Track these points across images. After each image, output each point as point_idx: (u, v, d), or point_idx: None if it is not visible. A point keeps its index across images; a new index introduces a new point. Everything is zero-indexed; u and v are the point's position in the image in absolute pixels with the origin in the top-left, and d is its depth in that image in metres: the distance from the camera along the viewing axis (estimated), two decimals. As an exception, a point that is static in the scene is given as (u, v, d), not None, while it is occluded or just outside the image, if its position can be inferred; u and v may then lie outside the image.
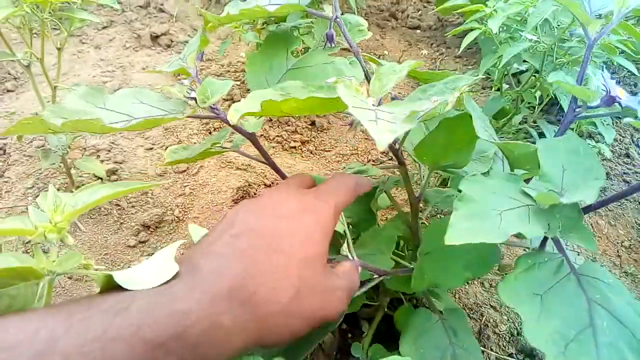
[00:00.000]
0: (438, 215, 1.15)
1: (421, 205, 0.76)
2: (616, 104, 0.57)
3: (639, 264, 1.19)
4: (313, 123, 1.50)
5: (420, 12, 2.32)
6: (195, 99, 0.70)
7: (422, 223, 1.05)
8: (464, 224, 0.44)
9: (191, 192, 1.19)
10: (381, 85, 0.53)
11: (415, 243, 0.77)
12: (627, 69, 0.88)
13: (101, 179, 1.14)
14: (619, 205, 1.34)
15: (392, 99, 0.64)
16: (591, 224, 1.26)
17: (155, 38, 1.80)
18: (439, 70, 1.93)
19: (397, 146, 0.66)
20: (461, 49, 0.95)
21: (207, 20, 0.69)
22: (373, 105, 0.49)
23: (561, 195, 0.48)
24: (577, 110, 0.61)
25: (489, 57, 0.91)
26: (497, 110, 0.96)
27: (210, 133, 1.41)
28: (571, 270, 0.48)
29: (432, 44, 2.05)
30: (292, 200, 0.47)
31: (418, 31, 2.18)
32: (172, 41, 1.82)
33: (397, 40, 2.07)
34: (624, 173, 1.43)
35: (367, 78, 0.70)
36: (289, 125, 1.46)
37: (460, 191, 0.47)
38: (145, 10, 2.00)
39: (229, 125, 0.63)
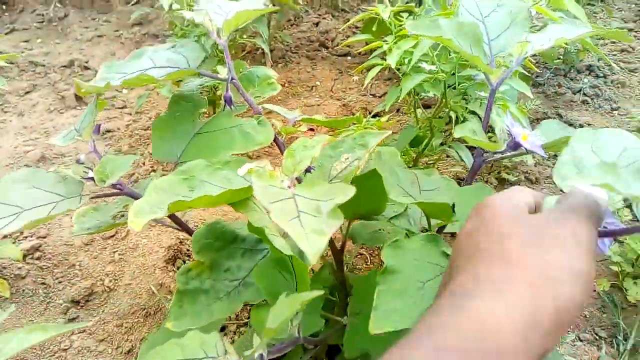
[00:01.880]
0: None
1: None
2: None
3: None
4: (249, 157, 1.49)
5: (349, 38, 2.36)
6: (93, 179, 0.68)
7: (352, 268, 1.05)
8: (389, 304, 0.45)
9: (121, 258, 1.15)
10: (294, 163, 0.52)
11: (345, 294, 0.76)
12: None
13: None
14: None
15: (306, 171, 0.63)
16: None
17: (80, 97, 1.77)
18: (370, 94, 1.97)
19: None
20: (365, 85, 0.96)
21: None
22: (289, 187, 0.48)
23: None
24: (485, 155, 0.64)
25: (393, 90, 0.92)
26: (411, 139, 0.97)
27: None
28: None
29: (362, 70, 2.09)
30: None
31: (348, 58, 2.22)
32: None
33: (328, 69, 2.09)
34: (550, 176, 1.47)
35: (276, 140, 0.70)
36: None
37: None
38: (69, 69, 1.97)
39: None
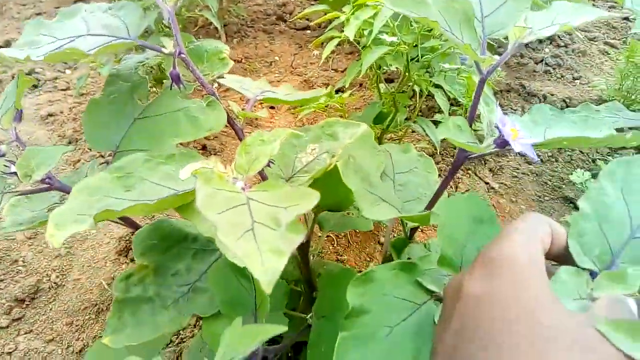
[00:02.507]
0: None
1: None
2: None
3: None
4: (204, 147, 1.41)
5: (306, 10, 2.27)
6: (16, 173, 0.59)
7: (319, 254, 1.00)
8: (350, 356, 0.40)
9: (68, 251, 1.06)
10: (250, 160, 0.45)
11: (311, 287, 0.71)
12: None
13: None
14: (518, 181, 1.36)
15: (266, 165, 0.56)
16: (493, 205, 1.27)
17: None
18: (332, 69, 1.90)
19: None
20: (322, 59, 0.90)
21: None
22: (243, 189, 0.41)
23: None
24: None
25: (353, 65, 0.86)
26: (375, 115, 0.92)
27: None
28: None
29: (322, 44, 2.01)
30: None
31: (308, 31, 2.13)
32: (39, 80, 1.65)
33: (287, 44, 2.01)
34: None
35: (230, 122, 0.62)
36: (177, 155, 1.36)
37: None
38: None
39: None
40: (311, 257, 0.79)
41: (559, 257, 0.38)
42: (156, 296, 0.50)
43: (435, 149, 1.26)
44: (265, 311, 0.46)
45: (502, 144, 0.49)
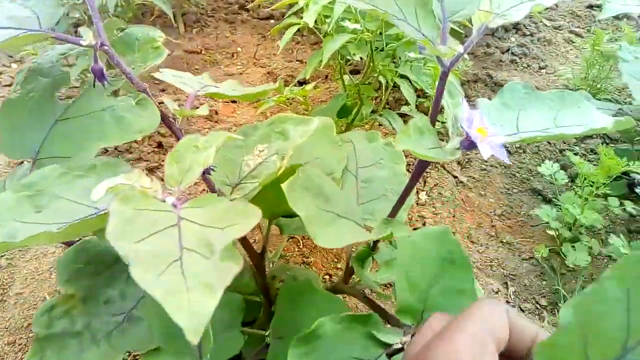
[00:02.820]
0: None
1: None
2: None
3: (513, 231, 1.18)
4: (160, 145, 1.33)
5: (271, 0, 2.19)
6: None
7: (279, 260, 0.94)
8: None
9: (9, 263, 0.98)
10: (182, 170, 0.38)
11: (269, 301, 0.65)
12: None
13: None
14: (486, 174, 1.33)
15: (205, 173, 0.49)
16: (461, 199, 1.24)
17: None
18: (296, 60, 1.83)
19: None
20: (280, 49, 0.84)
21: None
22: (175, 205, 0.35)
23: None
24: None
25: (315, 55, 0.81)
26: (339, 108, 0.87)
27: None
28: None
29: (282, 31, 1.94)
30: None
31: (271, 21, 2.06)
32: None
33: (250, 34, 1.93)
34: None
35: (166, 122, 0.54)
36: (130, 153, 1.28)
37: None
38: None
39: None
40: (271, 264, 0.73)
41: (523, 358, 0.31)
42: (85, 329, 0.43)
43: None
44: (209, 344, 0.40)
45: (470, 145, 0.44)
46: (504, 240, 1.15)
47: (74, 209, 0.40)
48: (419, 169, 0.55)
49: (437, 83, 0.49)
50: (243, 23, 1.99)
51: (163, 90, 1.51)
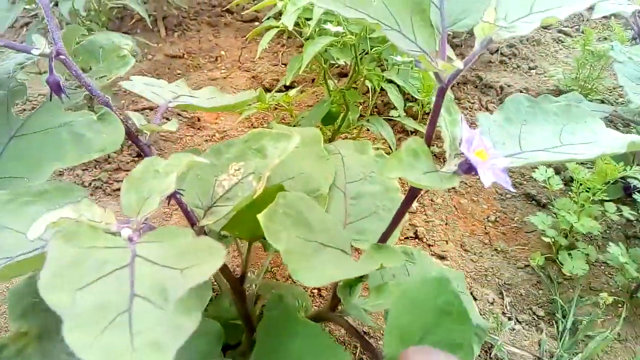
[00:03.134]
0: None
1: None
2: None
3: (508, 237, 1.15)
4: (140, 155, 1.27)
5: (255, 1, 2.14)
6: None
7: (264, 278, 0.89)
8: None
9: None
10: (140, 198, 0.33)
11: (251, 328, 0.60)
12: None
13: None
14: (478, 179, 1.29)
15: (172, 196, 0.43)
16: (454, 206, 1.20)
17: None
18: (282, 64, 1.78)
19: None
20: (258, 53, 0.80)
21: None
22: (131, 239, 0.30)
23: None
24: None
25: (295, 60, 0.76)
26: (323, 115, 0.82)
27: None
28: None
29: (258, 35, 1.89)
30: None
31: (256, 23, 2.01)
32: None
33: (234, 37, 1.88)
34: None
35: (132, 138, 0.49)
36: (109, 163, 1.22)
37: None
38: None
39: None
40: (253, 286, 0.68)
41: None
42: (40, 370, 0.38)
43: (392, 150, 1.18)
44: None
45: (469, 169, 0.41)
46: (499, 248, 1.11)
47: (19, 242, 0.35)
48: (412, 193, 0.51)
49: (433, 99, 0.45)
50: (226, 26, 1.94)
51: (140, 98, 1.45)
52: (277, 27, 0.76)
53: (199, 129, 1.38)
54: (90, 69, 0.52)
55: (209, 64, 1.73)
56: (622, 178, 0.97)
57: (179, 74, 1.66)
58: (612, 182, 0.92)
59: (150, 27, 1.74)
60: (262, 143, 0.49)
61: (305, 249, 0.42)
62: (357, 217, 0.63)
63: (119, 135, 0.47)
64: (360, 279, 0.60)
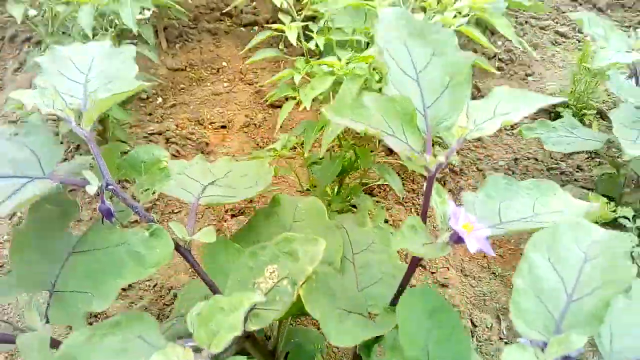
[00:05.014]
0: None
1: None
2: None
3: (505, 260, 1.22)
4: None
5: (254, 3, 2.13)
6: None
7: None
8: None
9: None
10: (210, 334, 0.40)
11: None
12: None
13: None
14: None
15: None
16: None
17: None
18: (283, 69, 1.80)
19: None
20: (277, 128, 0.83)
21: None
22: None
23: None
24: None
25: (309, 125, 0.80)
26: (337, 173, 0.86)
27: None
28: None
29: (272, 44, 1.90)
30: None
31: (255, 27, 2.01)
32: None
33: (234, 45, 1.88)
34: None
35: (185, 256, 0.56)
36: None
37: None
38: None
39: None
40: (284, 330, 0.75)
41: None
42: None
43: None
44: None
45: (458, 239, 0.50)
46: (496, 272, 1.18)
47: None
48: (414, 261, 0.60)
49: (425, 186, 0.55)
50: (227, 33, 1.94)
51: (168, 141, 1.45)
52: (294, 99, 0.79)
53: (208, 153, 1.42)
54: (135, 180, 0.57)
55: (212, 76, 1.75)
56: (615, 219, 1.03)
57: (182, 89, 1.68)
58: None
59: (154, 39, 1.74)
60: (293, 246, 0.55)
61: (335, 315, 0.52)
62: (367, 284, 0.71)
63: (169, 249, 0.53)
64: (377, 338, 0.67)
